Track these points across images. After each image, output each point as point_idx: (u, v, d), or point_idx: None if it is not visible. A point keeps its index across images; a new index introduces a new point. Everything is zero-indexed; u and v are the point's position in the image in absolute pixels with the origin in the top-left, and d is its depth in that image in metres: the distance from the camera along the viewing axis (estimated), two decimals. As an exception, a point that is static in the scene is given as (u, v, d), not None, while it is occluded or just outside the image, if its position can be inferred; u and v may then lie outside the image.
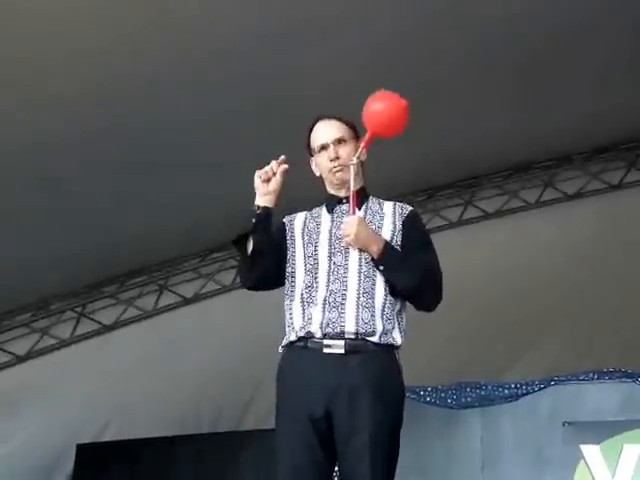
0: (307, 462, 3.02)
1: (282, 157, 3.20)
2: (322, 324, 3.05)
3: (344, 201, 3.21)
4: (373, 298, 3.09)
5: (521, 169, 8.77)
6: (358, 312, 3.06)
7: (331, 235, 3.17)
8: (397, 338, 3.12)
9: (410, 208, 3.26)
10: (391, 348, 3.11)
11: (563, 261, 8.26)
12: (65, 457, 8.40)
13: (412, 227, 3.21)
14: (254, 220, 3.15)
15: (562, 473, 6.45)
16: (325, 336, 3.05)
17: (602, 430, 6.46)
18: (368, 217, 3.19)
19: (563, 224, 8.57)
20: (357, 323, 3.05)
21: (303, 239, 3.20)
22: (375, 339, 3.06)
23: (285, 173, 3.18)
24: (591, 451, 6.40)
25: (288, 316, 3.17)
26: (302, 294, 3.13)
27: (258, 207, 3.16)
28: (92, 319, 8.88)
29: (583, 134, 8.14)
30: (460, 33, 6.32)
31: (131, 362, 8.51)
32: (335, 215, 3.21)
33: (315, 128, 3.27)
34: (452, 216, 8.88)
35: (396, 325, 3.13)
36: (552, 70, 6.91)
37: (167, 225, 7.87)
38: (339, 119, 3.26)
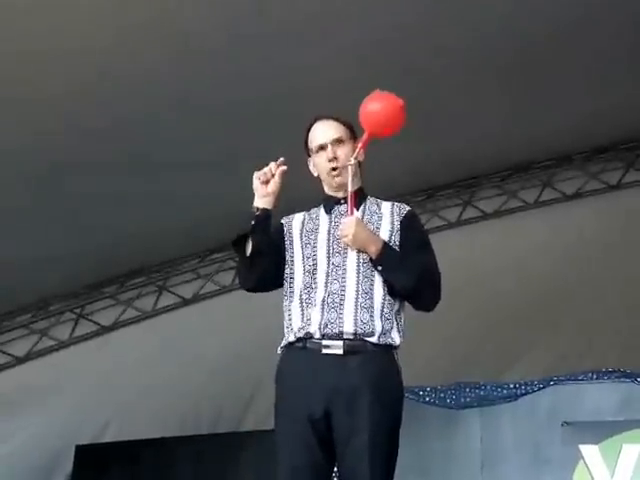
0: (306, 463, 3.02)
1: (281, 159, 3.19)
2: (321, 325, 3.06)
3: (342, 202, 3.21)
4: (372, 298, 3.09)
5: (520, 169, 8.77)
6: (357, 313, 3.06)
7: (329, 236, 3.17)
8: (396, 338, 3.12)
9: (408, 208, 3.26)
10: (390, 348, 3.11)
11: (562, 261, 8.26)
12: (64, 458, 8.40)
13: (410, 227, 3.21)
14: (253, 222, 3.15)
15: (561, 473, 6.45)
16: (324, 337, 3.05)
17: (601, 430, 6.46)
18: (366, 217, 3.20)
19: (562, 224, 8.57)
20: (356, 324, 3.05)
21: (301, 240, 3.20)
22: (374, 339, 3.06)
23: (284, 175, 3.17)
24: (590, 451, 6.40)
25: (287, 317, 3.17)
26: (301, 295, 3.14)
27: (257, 209, 3.16)
28: (91, 320, 8.88)
29: (582, 134, 8.14)
30: (460, 32, 6.32)
31: (130, 363, 8.51)
32: (333, 216, 3.21)
33: (313, 128, 3.27)
34: (451, 216, 8.88)
35: (395, 325, 3.13)
36: (551, 70, 6.91)
37: (166, 225, 7.87)
38: (337, 119, 3.26)
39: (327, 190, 3.27)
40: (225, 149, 6.94)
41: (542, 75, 6.96)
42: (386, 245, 3.13)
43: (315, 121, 3.28)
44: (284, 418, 3.10)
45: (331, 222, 3.20)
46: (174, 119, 6.60)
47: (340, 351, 3.04)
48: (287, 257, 3.20)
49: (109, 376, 8.48)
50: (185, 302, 8.98)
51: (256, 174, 3.17)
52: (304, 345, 3.09)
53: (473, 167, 8.59)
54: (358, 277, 3.10)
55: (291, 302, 3.16)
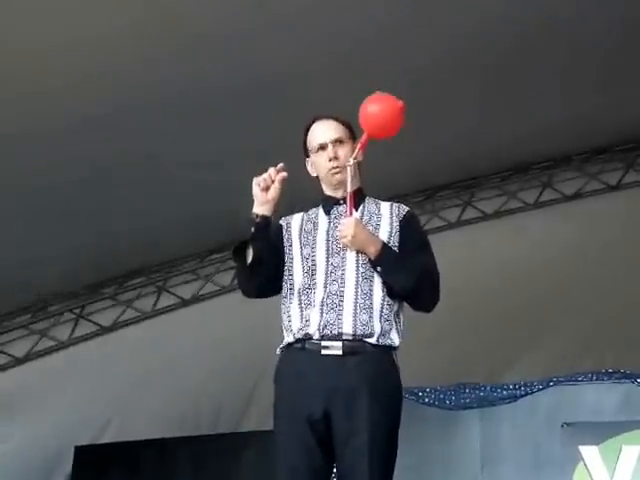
0: (305, 463, 3.02)
1: (280, 165, 3.17)
2: (320, 326, 3.05)
3: (341, 202, 3.20)
4: (371, 299, 3.09)
5: (520, 170, 8.77)
6: (356, 313, 3.06)
7: (328, 236, 3.16)
8: (395, 339, 3.12)
9: (407, 209, 3.26)
10: (389, 349, 3.11)
11: (562, 262, 8.26)
12: (63, 459, 8.38)
13: (409, 228, 3.20)
14: (253, 229, 3.12)
15: (561, 474, 6.45)
16: (323, 338, 3.05)
17: (601, 431, 6.46)
18: (365, 218, 3.19)
19: (562, 225, 8.57)
20: (355, 325, 3.05)
21: (300, 241, 3.19)
22: (373, 340, 3.06)
23: (284, 181, 3.15)
24: (590, 452, 6.40)
25: (286, 318, 3.17)
26: (300, 296, 3.13)
27: (257, 216, 3.13)
28: (91, 321, 8.87)
29: (582, 135, 8.14)
30: (459, 31, 6.32)
31: (130, 364, 8.51)
32: (332, 216, 3.20)
33: (312, 128, 3.26)
34: (451, 217, 8.88)
35: (394, 326, 3.13)
36: (551, 70, 6.91)
37: (166, 226, 7.86)
38: (336, 119, 3.26)
39: (326, 190, 3.26)
40: (225, 149, 6.93)
41: (542, 75, 6.95)
42: (385, 246, 3.12)
43: (314, 121, 3.27)
44: (283, 419, 3.09)
45: (330, 223, 3.19)
46: (174, 119, 6.59)
47: (339, 352, 3.04)
48: (286, 258, 3.19)
49: (108, 377, 8.48)
50: (184, 303, 8.97)
51: (255, 180, 3.14)
52: (303, 346, 3.08)
53: (472, 168, 8.59)
54: (357, 278, 3.10)
55: (290, 303, 3.16)
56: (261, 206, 3.13)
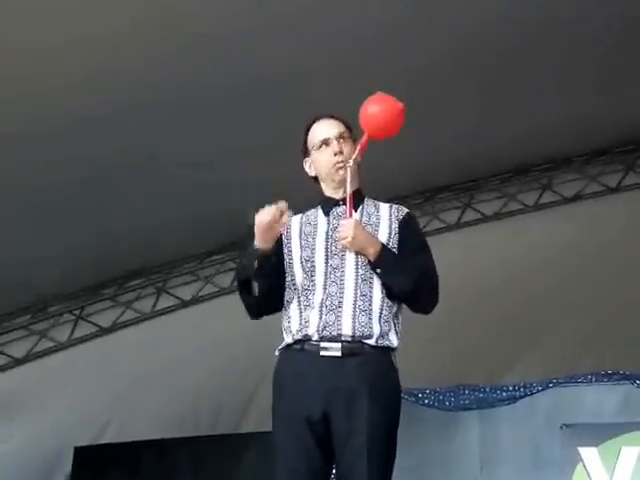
0: (304, 464, 3.02)
1: (284, 204, 3.06)
2: (319, 327, 3.05)
3: (340, 203, 3.19)
4: (370, 301, 3.09)
5: (520, 172, 8.77)
6: (355, 315, 3.06)
7: (328, 238, 3.16)
8: (394, 340, 3.12)
9: (406, 210, 3.25)
10: (388, 350, 3.11)
11: (561, 263, 8.26)
12: (63, 459, 8.39)
13: (408, 229, 3.20)
14: (256, 265, 3.07)
15: (560, 475, 6.46)
16: (322, 339, 3.05)
17: (600, 432, 6.47)
18: (364, 219, 3.19)
19: (561, 227, 8.57)
20: (354, 326, 3.05)
21: (300, 242, 3.19)
22: (372, 342, 3.06)
23: (285, 219, 3.07)
24: (589, 453, 6.41)
25: (285, 319, 3.17)
26: (299, 297, 3.13)
27: (259, 250, 3.08)
28: (90, 321, 8.87)
29: (582, 136, 8.14)
30: (459, 30, 6.32)
31: (129, 364, 8.50)
32: (331, 217, 3.20)
33: (313, 127, 3.26)
34: (450, 219, 8.87)
35: (393, 328, 3.13)
36: (551, 70, 6.91)
37: (166, 226, 7.86)
38: (337, 118, 3.26)
39: (325, 191, 3.26)
40: (225, 149, 6.93)
41: (542, 75, 6.95)
42: (385, 247, 3.12)
43: (315, 121, 3.27)
44: (282, 420, 3.09)
45: (329, 224, 3.18)
46: (174, 120, 6.59)
47: (338, 353, 3.04)
48: (286, 260, 3.18)
49: (108, 377, 8.48)
50: (184, 304, 8.97)
51: (261, 216, 3.05)
52: (302, 347, 3.09)
53: (472, 170, 8.59)
54: (356, 279, 3.10)
55: (289, 304, 3.16)
56: (264, 243, 3.08)
